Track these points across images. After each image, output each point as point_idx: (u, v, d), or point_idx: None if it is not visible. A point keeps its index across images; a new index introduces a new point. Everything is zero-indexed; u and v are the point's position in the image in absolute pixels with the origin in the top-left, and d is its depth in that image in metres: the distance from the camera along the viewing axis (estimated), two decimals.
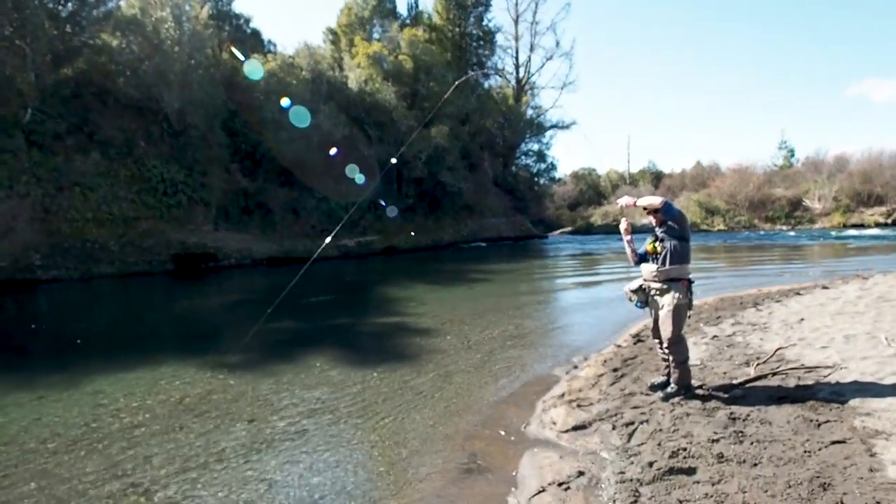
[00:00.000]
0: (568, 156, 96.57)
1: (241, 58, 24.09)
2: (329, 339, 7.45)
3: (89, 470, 3.57)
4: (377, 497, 3.30)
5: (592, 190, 51.17)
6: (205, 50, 21.45)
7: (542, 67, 43.68)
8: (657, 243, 4.02)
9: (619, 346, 6.12)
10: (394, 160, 6.72)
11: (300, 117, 24.50)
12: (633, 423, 3.73)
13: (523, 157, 40.43)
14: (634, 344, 6.05)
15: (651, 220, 4.13)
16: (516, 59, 40.10)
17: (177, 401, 4.88)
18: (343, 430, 4.27)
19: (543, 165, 40.53)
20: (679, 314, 3.90)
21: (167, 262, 17.28)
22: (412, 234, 25.88)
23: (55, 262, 14.49)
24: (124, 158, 18.42)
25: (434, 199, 29.79)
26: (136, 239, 17.20)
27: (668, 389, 4.09)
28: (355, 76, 26.26)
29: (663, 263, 3.94)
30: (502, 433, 4.12)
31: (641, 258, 4.17)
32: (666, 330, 3.93)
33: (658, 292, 4.04)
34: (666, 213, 3.98)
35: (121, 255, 16.38)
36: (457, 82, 7.95)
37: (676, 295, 3.90)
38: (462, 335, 7.49)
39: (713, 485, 2.77)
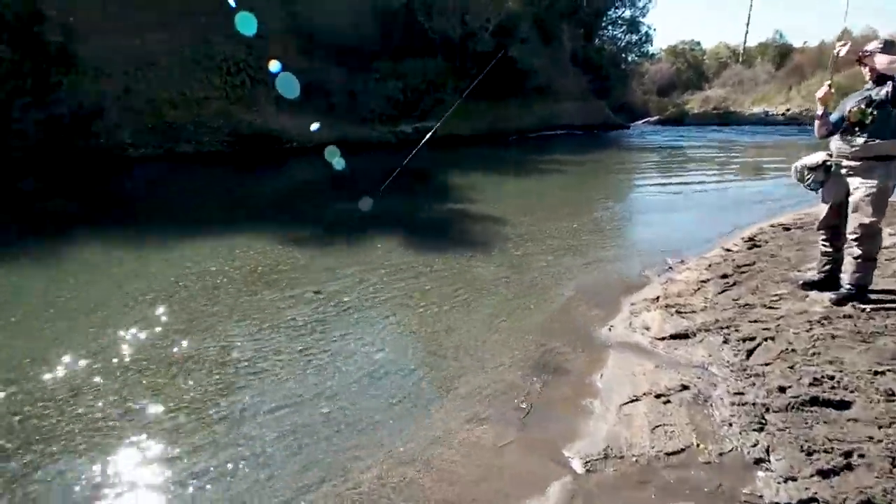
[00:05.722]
0: (666, 27, 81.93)
1: (232, 3, 21.04)
2: (388, 222, 7.19)
3: (177, 320, 3.91)
4: (442, 378, 3.15)
5: (693, 70, 43.48)
6: None
7: None
8: (869, 109, 3.20)
9: (728, 249, 5.36)
10: None
11: (246, 23, 21.40)
12: (752, 338, 3.20)
13: (610, 28, 35.19)
14: (749, 249, 5.24)
15: (866, 74, 3.32)
16: None
17: (251, 269, 5.10)
18: (406, 312, 4.14)
19: (635, 37, 35.04)
20: (882, 199, 3.30)
21: (236, 144, 17.61)
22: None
23: (142, 140, 15.18)
24: (189, 35, 17.90)
25: (500, 80, 27.24)
26: (207, 119, 17.47)
27: (843, 290, 3.55)
28: None
29: (873, 136, 3.23)
30: (583, 332, 3.77)
31: (835, 128, 3.45)
32: (863, 216, 3.33)
33: (853, 171, 3.39)
34: None
35: (196, 134, 16.83)
36: None
37: (883, 176, 3.26)
38: (530, 226, 6.98)
39: (881, 427, 2.25)
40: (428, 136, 5.10)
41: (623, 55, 35.35)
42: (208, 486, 2.29)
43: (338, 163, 5.05)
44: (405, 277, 4.88)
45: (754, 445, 2.30)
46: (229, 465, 2.40)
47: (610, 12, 34.59)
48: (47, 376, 3.09)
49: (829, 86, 3.42)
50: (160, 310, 4.07)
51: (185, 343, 3.53)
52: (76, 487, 2.29)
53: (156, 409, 2.83)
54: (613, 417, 2.67)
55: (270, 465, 2.41)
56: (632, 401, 2.79)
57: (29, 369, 3.17)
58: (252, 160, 15.82)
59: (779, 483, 2.07)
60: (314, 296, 4.41)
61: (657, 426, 2.56)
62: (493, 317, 4.03)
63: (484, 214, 7.85)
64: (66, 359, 3.29)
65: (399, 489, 2.24)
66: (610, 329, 3.76)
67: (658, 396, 2.78)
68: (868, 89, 3.28)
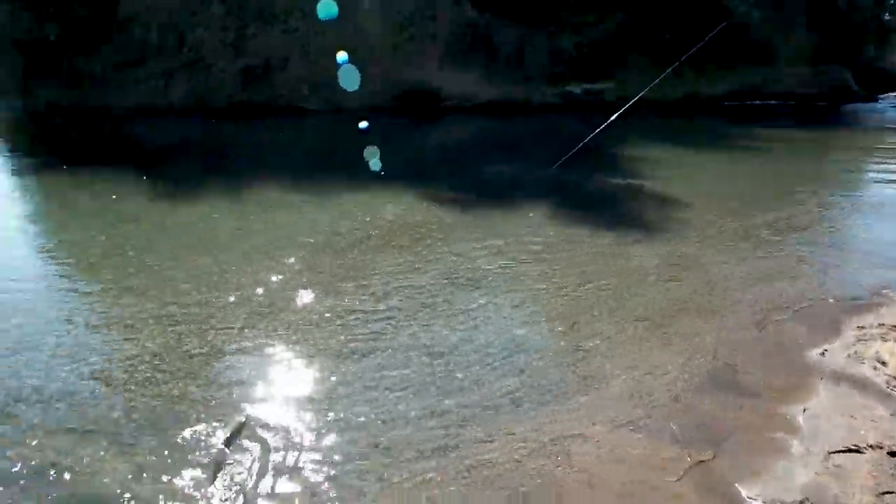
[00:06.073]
0: None
1: None
2: (545, 190, 6.89)
3: (331, 265, 4.38)
4: (586, 372, 2.90)
5: None
6: None
7: None
8: None
9: None
10: None
11: (326, 9, 19.88)
12: None
13: None
14: None
15: None
16: None
17: (401, 224, 5.45)
18: (550, 291, 3.91)
19: None
20: None
21: (398, 100, 18.62)
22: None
23: (315, 93, 17.16)
24: None
25: (704, 35, 23.38)
26: (374, 75, 18.77)
27: None
28: None
29: None
30: (781, 352, 3.10)
31: None
32: None
33: None
34: None
35: (361, 89, 18.36)
36: None
37: None
38: (714, 213, 5.99)
39: None
40: (623, 109, 4.71)
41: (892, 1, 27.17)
42: (330, 413, 2.50)
43: (374, 164, 5.08)
44: (554, 252, 4.63)
45: None
46: (348, 412, 2.53)
47: None
48: (196, 306, 3.59)
49: None
50: (313, 259, 4.48)
51: (332, 291, 3.84)
52: (206, 399, 2.68)
53: (294, 342, 3.17)
54: (819, 465, 2.14)
55: (392, 420, 2.48)
56: (849, 450, 2.20)
57: (197, 294, 3.74)
58: (413, 116, 16.68)
59: None
60: (454, 258, 4.46)
61: (887, 492, 1.97)
62: (652, 313, 3.54)
63: (658, 194, 6.99)
64: (225, 288, 3.84)
65: (533, 478, 2.11)
66: (823, 354, 3.01)
67: (893, 455, 2.13)
68: None
